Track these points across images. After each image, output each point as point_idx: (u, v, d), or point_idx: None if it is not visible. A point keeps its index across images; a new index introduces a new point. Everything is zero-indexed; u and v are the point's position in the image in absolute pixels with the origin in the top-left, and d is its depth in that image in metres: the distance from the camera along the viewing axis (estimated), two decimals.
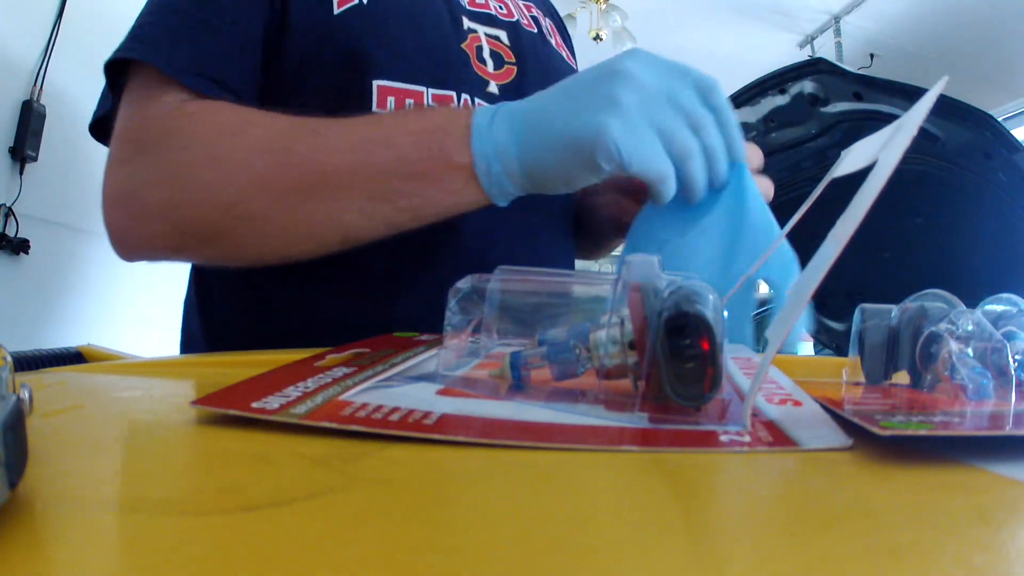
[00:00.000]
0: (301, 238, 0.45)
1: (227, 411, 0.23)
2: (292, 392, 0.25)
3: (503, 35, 0.63)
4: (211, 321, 0.61)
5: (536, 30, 0.67)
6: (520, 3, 0.69)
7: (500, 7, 0.65)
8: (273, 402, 0.23)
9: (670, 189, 0.41)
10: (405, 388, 0.28)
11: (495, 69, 0.60)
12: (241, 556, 0.13)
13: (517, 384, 0.28)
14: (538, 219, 0.61)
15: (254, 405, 0.23)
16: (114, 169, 0.48)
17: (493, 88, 0.59)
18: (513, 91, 0.60)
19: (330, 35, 0.54)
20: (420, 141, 0.42)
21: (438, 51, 0.57)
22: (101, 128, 0.55)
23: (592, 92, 0.40)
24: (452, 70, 0.57)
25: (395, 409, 0.23)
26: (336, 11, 0.55)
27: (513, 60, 0.62)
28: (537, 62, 0.64)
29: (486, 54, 0.61)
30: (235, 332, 0.59)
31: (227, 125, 0.46)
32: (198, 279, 0.63)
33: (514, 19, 0.65)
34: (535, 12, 0.70)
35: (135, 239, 0.48)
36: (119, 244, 0.49)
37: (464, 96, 0.57)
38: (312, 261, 0.48)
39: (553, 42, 0.69)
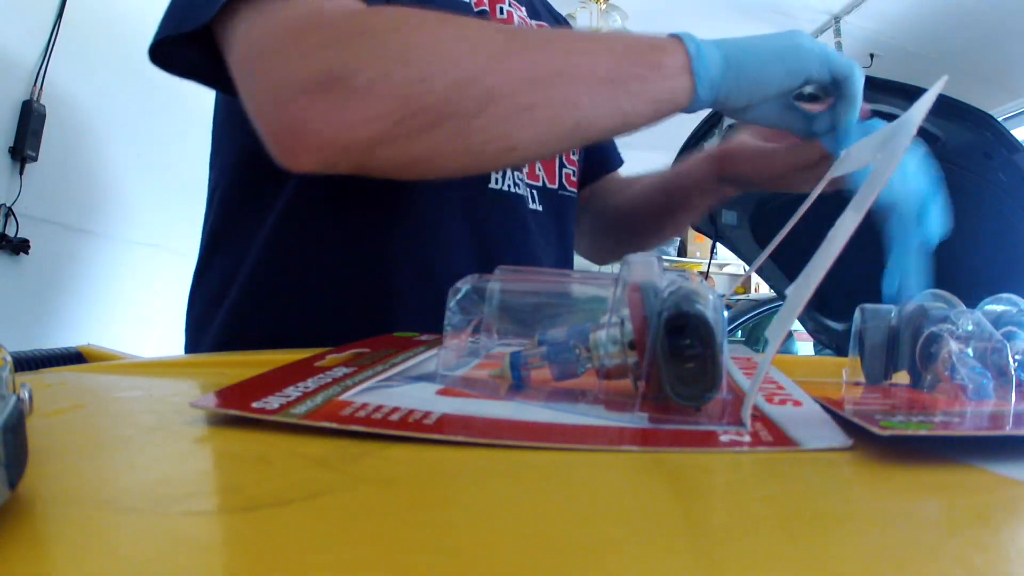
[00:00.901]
0: (536, 122, 0.43)
1: (227, 411, 0.23)
2: (292, 392, 0.25)
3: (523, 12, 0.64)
4: (221, 317, 0.60)
5: None
6: (521, 11, 0.68)
7: (500, 11, 0.65)
8: (273, 402, 0.23)
9: (860, 81, 0.48)
10: (405, 388, 0.28)
11: None
12: (241, 556, 0.13)
13: (517, 384, 0.28)
14: (542, 240, 0.62)
15: (254, 405, 0.23)
16: (293, 60, 0.41)
17: None
18: None
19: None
20: (640, 46, 0.45)
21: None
22: (165, 54, 0.49)
23: (775, 37, 0.47)
24: None
25: (395, 409, 0.23)
26: None
27: None
28: None
29: None
30: (250, 327, 0.58)
31: (444, 16, 0.43)
32: (205, 277, 0.62)
33: (514, 23, 0.66)
34: (534, 23, 0.71)
35: (336, 127, 0.41)
36: (309, 137, 0.41)
37: None
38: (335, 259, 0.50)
39: None
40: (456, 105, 0.41)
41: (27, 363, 0.48)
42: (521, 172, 0.63)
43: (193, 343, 0.62)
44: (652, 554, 0.14)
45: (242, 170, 0.58)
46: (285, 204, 0.55)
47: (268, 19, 0.43)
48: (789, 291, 0.27)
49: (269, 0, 0.43)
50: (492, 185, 0.59)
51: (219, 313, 0.58)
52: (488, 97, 0.41)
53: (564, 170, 0.68)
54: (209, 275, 0.61)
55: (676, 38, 0.46)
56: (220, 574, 0.12)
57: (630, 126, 0.46)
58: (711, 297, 0.25)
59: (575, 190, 0.70)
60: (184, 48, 0.47)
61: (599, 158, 0.80)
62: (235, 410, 0.23)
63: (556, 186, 0.67)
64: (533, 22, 0.69)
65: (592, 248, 0.85)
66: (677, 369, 0.24)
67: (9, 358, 0.16)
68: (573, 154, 0.70)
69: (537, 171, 0.66)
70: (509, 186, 0.61)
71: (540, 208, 0.64)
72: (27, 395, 0.16)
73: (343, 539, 0.14)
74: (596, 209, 0.80)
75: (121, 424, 0.24)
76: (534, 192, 0.64)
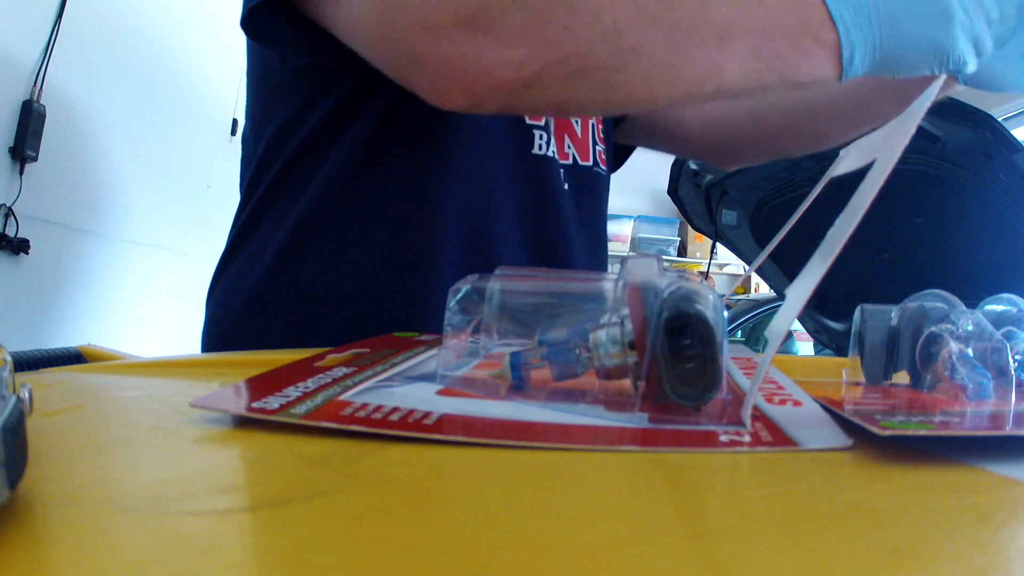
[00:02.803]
0: (678, 82, 0.43)
1: (227, 411, 0.23)
2: (292, 392, 0.25)
3: None
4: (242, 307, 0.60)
5: None
6: None
7: None
8: (273, 402, 0.23)
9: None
10: (405, 388, 0.28)
11: None
12: (241, 556, 0.13)
13: (517, 384, 0.28)
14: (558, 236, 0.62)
15: (254, 405, 0.23)
16: (431, 1, 0.41)
17: None
18: None
19: None
20: (791, 12, 0.42)
21: None
22: (254, 24, 0.50)
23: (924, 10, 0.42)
24: None
25: (395, 409, 0.23)
26: None
27: None
28: None
29: None
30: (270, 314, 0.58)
31: None
32: (226, 269, 0.63)
33: None
34: None
35: (485, 68, 0.41)
36: (456, 75, 0.42)
37: None
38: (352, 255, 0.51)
39: None
40: (600, 58, 0.40)
41: (27, 363, 0.48)
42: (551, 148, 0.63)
43: (222, 315, 0.62)
44: (652, 554, 0.14)
45: (284, 143, 0.59)
46: (331, 166, 0.56)
47: None
48: (789, 291, 0.27)
49: None
50: (535, 151, 0.61)
51: (258, 268, 0.59)
52: (632, 52, 0.40)
53: (596, 148, 0.68)
54: (248, 241, 0.61)
55: (831, 23, 0.42)
56: (220, 574, 0.12)
57: (766, 95, 0.45)
58: (711, 297, 0.25)
59: (605, 168, 0.69)
60: (271, 16, 0.48)
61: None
62: (235, 410, 0.23)
63: (590, 163, 0.66)
64: None
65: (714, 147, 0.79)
66: (677, 369, 0.24)
67: (9, 358, 0.16)
68: (603, 131, 0.69)
69: (567, 149, 0.65)
70: (553, 152, 0.62)
71: (566, 186, 0.64)
72: (27, 395, 0.16)
73: (343, 539, 0.14)
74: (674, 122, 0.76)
75: (121, 424, 0.24)
76: (562, 171, 0.64)
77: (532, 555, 0.13)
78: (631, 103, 0.44)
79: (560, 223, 0.62)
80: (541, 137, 0.61)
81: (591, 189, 0.67)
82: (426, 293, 0.55)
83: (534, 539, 0.14)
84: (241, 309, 0.59)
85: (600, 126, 0.70)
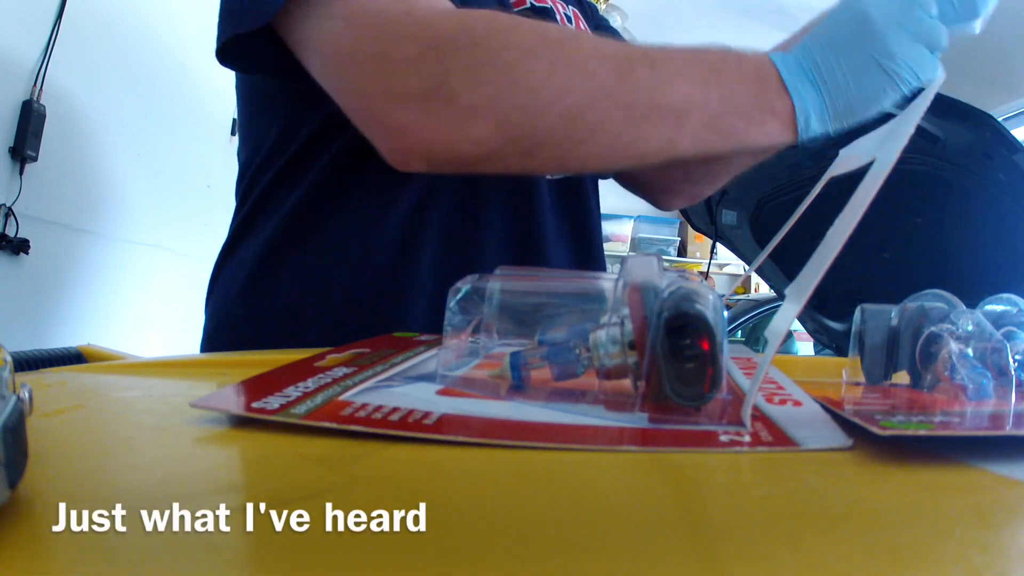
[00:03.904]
0: (633, 156, 0.44)
1: (227, 411, 0.23)
2: (292, 392, 0.25)
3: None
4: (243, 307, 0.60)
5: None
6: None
7: None
8: (273, 402, 0.23)
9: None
10: (405, 388, 0.28)
11: None
12: (241, 556, 0.13)
13: (517, 384, 0.28)
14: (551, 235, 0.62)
15: (254, 405, 0.23)
16: (394, 67, 0.41)
17: None
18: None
19: None
20: (746, 84, 0.43)
21: None
22: (231, 52, 0.49)
23: (862, 47, 0.42)
24: None
25: (395, 409, 0.23)
26: None
27: None
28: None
29: None
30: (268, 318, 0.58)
31: (548, 31, 0.44)
32: (223, 269, 0.63)
33: (547, 4, 0.65)
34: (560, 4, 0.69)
35: (443, 141, 0.42)
36: (416, 146, 0.42)
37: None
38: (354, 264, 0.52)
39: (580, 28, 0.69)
40: (558, 137, 0.42)
41: (27, 363, 0.48)
42: None
43: (219, 306, 0.62)
44: (652, 554, 0.14)
45: (275, 150, 0.59)
46: (319, 173, 0.56)
47: (354, 18, 0.43)
48: (789, 290, 0.27)
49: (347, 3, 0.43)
50: None
51: (243, 272, 0.59)
52: (590, 131, 0.41)
53: None
54: (240, 245, 0.61)
55: (784, 93, 0.43)
56: (220, 574, 0.12)
57: (720, 160, 0.46)
58: (711, 297, 0.25)
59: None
60: (250, 45, 0.47)
61: None
62: (235, 410, 0.23)
63: None
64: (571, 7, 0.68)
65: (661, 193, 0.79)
66: (677, 369, 0.24)
67: (9, 358, 0.16)
68: None
69: None
70: None
71: (548, 198, 0.62)
72: (27, 395, 0.16)
73: (343, 539, 0.14)
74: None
75: (121, 424, 0.24)
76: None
77: (532, 555, 0.13)
78: (585, 170, 0.47)
79: (543, 232, 0.61)
80: None
81: (576, 192, 0.66)
82: (407, 299, 0.55)
83: (534, 539, 0.14)
84: (232, 313, 0.60)
85: None
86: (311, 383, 0.27)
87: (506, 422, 0.23)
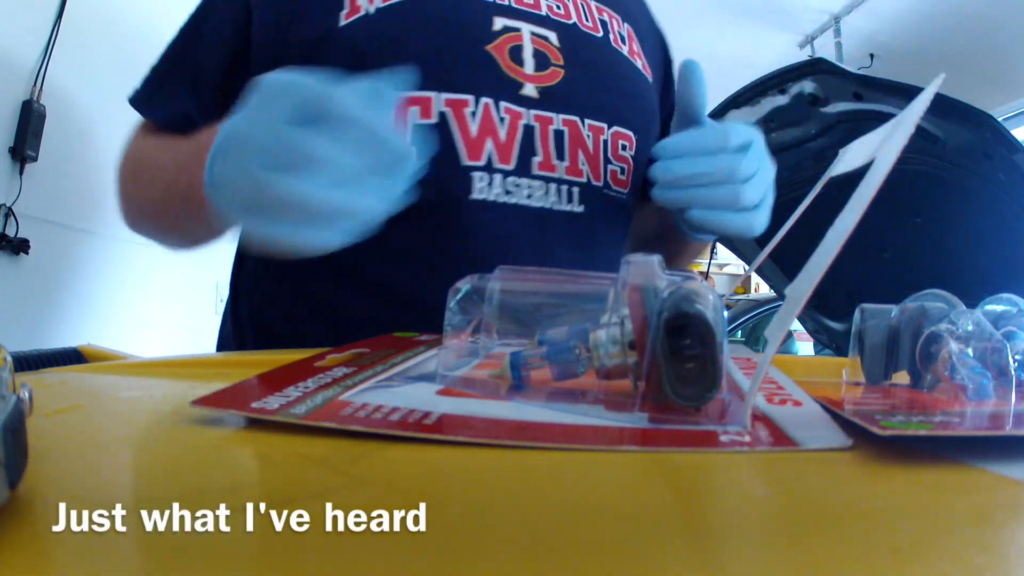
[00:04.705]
0: (176, 241, 0.62)
1: (227, 411, 0.23)
2: (292, 392, 0.25)
3: (553, 36, 0.60)
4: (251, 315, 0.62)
5: (601, 34, 0.64)
6: (592, 4, 0.65)
7: (557, 7, 0.62)
8: (273, 402, 0.23)
9: None
10: (405, 388, 0.28)
11: (537, 70, 0.58)
12: (242, 556, 0.13)
13: (517, 384, 0.28)
14: (553, 237, 0.59)
15: (254, 405, 0.23)
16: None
17: (530, 91, 0.57)
18: (558, 95, 0.58)
19: (334, 46, 0.55)
20: (196, 166, 0.43)
21: (450, 53, 0.56)
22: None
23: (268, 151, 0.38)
24: (469, 73, 0.56)
25: (395, 409, 0.23)
26: (342, 23, 0.55)
27: (561, 62, 0.59)
28: (591, 68, 0.61)
29: (527, 54, 0.58)
30: (276, 324, 0.60)
31: (128, 158, 0.64)
32: (238, 272, 0.66)
33: (571, 21, 0.62)
34: (608, 15, 0.66)
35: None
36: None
37: (485, 99, 0.55)
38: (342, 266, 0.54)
39: (625, 49, 0.65)
40: (133, 225, 0.63)
41: (27, 363, 0.48)
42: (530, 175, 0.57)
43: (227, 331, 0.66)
44: (652, 554, 0.14)
45: None
46: None
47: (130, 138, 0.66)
48: (788, 291, 0.27)
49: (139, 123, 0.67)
50: (474, 196, 0.56)
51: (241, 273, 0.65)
52: (138, 228, 0.63)
53: (610, 167, 0.61)
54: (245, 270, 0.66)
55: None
56: (220, 574, 0.12)
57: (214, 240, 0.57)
58: (711, 297, 0.25)
59: (623, 191, 0.62)
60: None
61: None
62: (235, 410, 0.23)
63: (600, 183, 0.60)
64: (596, 3, 0.65)
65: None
66: (677, 369, 0.24)
67: (9, 358, 0.16)
68: (622, 150, 0.63)
69: (554, 161, 0.58)
70: (497, 196, 0.56)
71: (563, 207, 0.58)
72: (27, 395, 0.16)
73: (343, 539, 0.14)
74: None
75: (121, 424, 0.24)
76: (562, 189, 0.59)
77: (532, 555, 0.13)
78: (176, 249, 0.65)
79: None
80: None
81: (592, 214, 0.61)
82: (394, 311, 0.54)
83: (534, 539, 0.14)
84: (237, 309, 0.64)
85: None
86: (311, 383, 0.27)
87: (506, 422, 0.23)
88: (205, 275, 2.01)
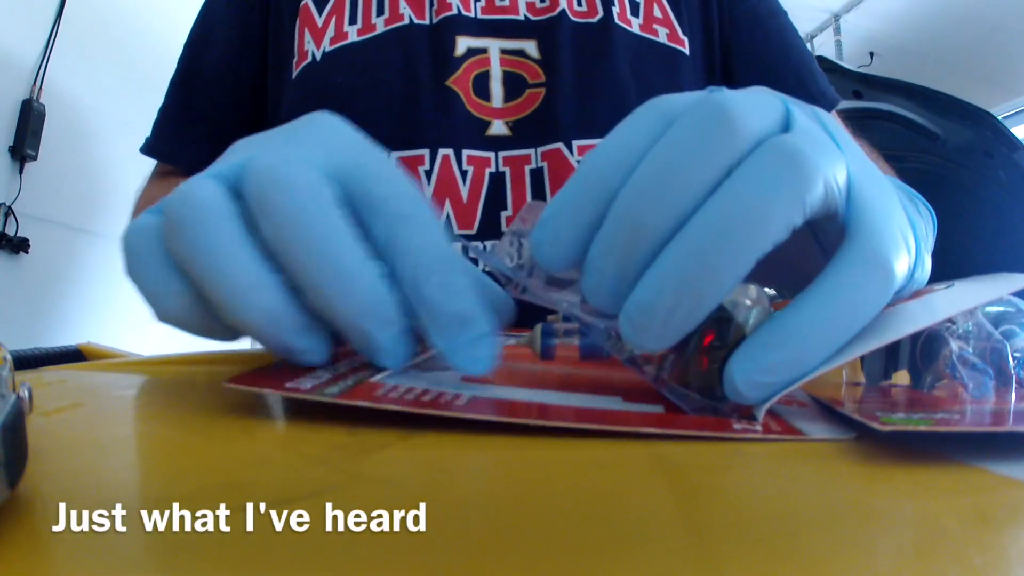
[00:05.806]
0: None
1: (262, 390, 0.23)
2: (323, 374, 0.25)
3: (531, 46, 0.51)
4: None
5: (600, 15, 0.52)
6: None
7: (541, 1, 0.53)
8: (306, 383, 0.23)
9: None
10: (433, 373, 0.28)
11: (508, 100, 0.50)
12: (242, 556, 0.13)
13: (544, 352, 0.28)
14: None
15: (288, 385, 0.23)
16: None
17: (499, 128, 0.50)
18: (536, 123, 0.50)
19: (286, 101, 0.53)
20: None
21: (402, 101, 0.49)
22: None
23: None
24: (425, 121, 0.49)
25: (426, 391, 0.24)
26: (294, 73, 0.53)
27: (541, 79, 0.51)
28: (582, 73, 0.51)
29: (494, 83, 0.50)
30: None
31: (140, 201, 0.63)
32: None
33: (557, 10, 0.51)
34: None
35: None
36: None
37: (444, 151, 0.48)
38: None
39: (637, 23, 0.53)
40: None
41: (27, 362, 0.48)
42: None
43: None
44: (652, 554, 0.14)
45: None
46: None
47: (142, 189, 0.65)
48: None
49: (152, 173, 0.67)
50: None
51: None
52: None
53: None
54: None
55: None
56: (220, 574, 0.12)
57: None
58: (753, 297, 0.25)
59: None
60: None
61: None
62: (270, 389, 0.22)
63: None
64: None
65: None
66: (707, 367, 0.24)
67: (9, 357, 0.16)
68: None
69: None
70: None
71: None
72: (27, 394, 0.16)
73: (343, 539, 0.14)
74: None
75: (121, 423, 0.24)
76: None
77: (533, 555, 0.13)
78: None
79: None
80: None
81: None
82: None
83: (535, 539, 0.14)
84: None
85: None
86: (342, 366, 0.27)
87: (532, 404, 0.24)
88: None
